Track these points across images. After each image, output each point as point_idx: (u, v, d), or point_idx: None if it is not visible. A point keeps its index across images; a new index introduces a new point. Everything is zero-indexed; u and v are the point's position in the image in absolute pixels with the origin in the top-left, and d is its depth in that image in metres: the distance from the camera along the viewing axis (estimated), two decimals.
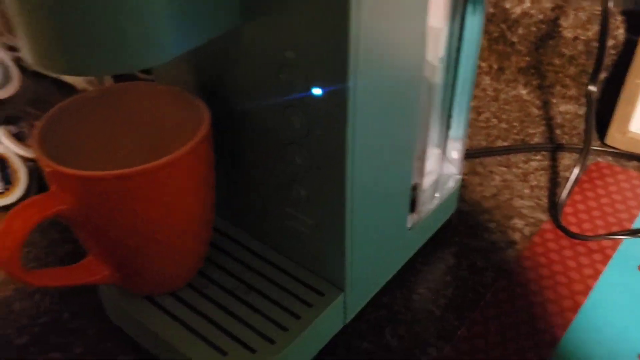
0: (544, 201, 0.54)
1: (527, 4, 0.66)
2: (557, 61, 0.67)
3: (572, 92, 0.67)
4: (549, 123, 0.64)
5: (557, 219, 0.52)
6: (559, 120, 0.65)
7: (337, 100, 0.32)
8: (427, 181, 0.45)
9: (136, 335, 0.41)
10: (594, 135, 0.62)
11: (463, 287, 0.46)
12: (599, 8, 0.63)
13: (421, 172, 0.43)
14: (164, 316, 0.39)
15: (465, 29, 0.41)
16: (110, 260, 0.37)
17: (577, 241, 0.50)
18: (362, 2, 0.29)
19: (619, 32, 0.62)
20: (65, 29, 0.27)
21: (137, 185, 0.33)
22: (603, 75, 0.64)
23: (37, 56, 0.29)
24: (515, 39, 0.69)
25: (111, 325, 0.43)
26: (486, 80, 0.71)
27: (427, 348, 0.41)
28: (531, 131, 0.63)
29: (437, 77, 0.41)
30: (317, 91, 0.32)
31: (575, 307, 0.44)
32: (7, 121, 0.50)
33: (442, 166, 0.47)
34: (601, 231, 0.51)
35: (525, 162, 0.59)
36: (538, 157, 0.60)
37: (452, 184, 0.49)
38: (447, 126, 0.46)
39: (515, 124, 0.64)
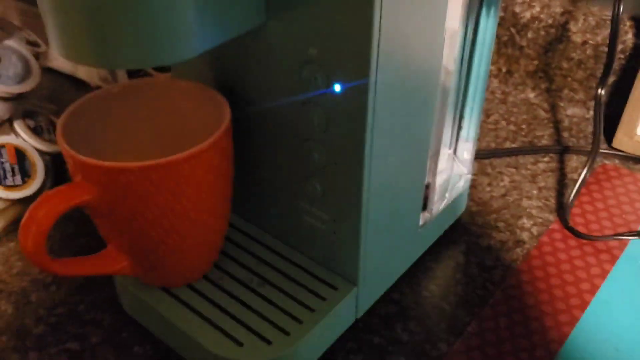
0: (552, 202, 0.55)
1: (537, 9, 0.67)
2: (565, 65, 0.68)
3: (580, 95, 0.68)
4: (556, 126, 0.65)
5: (564, 219, 0.52)
6: (566, 123, 0.66)
7: (357, 97, 0.33)
8: (438, 180, 0.46)
9: (152, 326, 0.42)
10: (602, 138, 0.63)
11: (472, 285, 0.47)
12: (608, 13, 0.64)
13: (433, 171, 0.44)
14: (181, 307, 0.40)
15: (479, 32, 0.42)
16: (130, 251, 0.38)
17: (584, 241, 0.51)
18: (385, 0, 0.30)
19: (627, 37, 0.62)
20: (97, 22, 0.28)
21: (160, 177, 0.34)
22: (611, 79, 0.65)
23: (67, 48, 0.30)
24: (524, 43, 0.70)
25: (126, 317, 0.44)
26: (495, 83, 0.72)
27: (438, 343, 0.42)
28: (539, 133, 0.64)
29: (451, 79, 0.41)
30: (337, 88, 0.33)
31: (583, 305, 0.45)
32: (25, 115, 0.51)
33: (453, 166, 0.48)
34: (608, 232, 0.52)
35: (534, 163, 0.60)
36: (546, 159, 0.60)
37: (462, 183, 0.50)
38: (459, 127, 0.46)
39: (523, 126, 0.65)
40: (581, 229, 0.52)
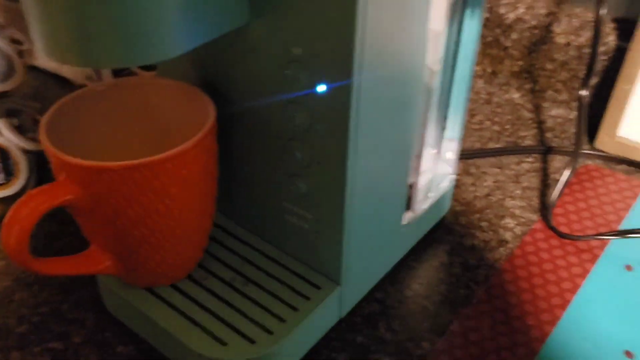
0: (535, 202, 0.55)
1: (521, 10, 0.68)
2: (549, 66, 0.68)
3: (564, 96, 0.69)
4: (540, 126, 0.66)
5: (547, 219, 0.53)
6: (550, 123, 0.66)
7: (340, 97, 0.33)
8: (422, 180, 0.46)
9: (135, 325, 0.42)
10: (584, 138, 0.64)
11: (456, 284, 0.47)
12: (591, 15, 0.65)
13: (417, 171, 0.45)
14: (164, 306, 0.40)
15: (463, 33, 0.42)
16: (113, 250, 0.38)
17: (566, 241, 0.51)
18: (369, 1, 0.30)
19: (609, 38, 0.63)
20: (80, 21, 0.28)
21: (144, 177, 0.34)
22: (594, 80, 0.65)
23: (51, 48, 0.30)
24: (508, 44, 0.70)
25: (110, 317, 0.44)
26: (480, 83, 0.73)
27: (421, 342, 0.43)
28: (523, 134, 0.64)
29: (435, 79, 0.42)
30: (321, 88, 0.33)
31: (564, 304, 0.45)
32: (8, 114, 0.51)
33: (437, 166, 0.49)
34: (590, 232, 0.52)
35: (517, 164, 0.60)
36: (529, 159, 0.61)
37: (446, 183, 0.50)
38: (443, 127, 0.47)
39: (507, 126, 0.66)
40: (563, 229, 0.52)
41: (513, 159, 0.61)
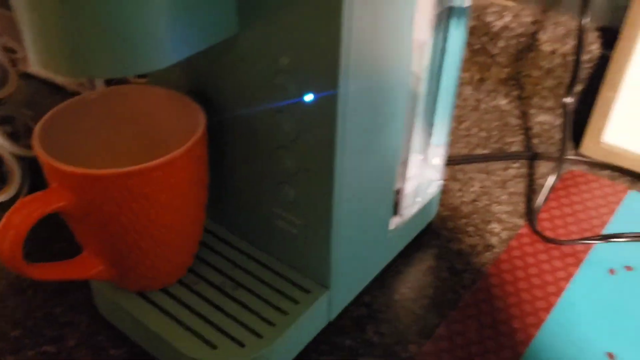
0: (521, 207, 0.56)
1: (508, 18, 0.69)
2: (535, 73, 0.69)
3: (550, 103, 0.70)
4: (527, 132, 0.67)
5: (533, 224, 0.54)
6: (536, 130, 0.67)
7: (327, 106, 0.34)
8: (409, 186, 0.47)
9: (127, 329, 0.43)
10: (570, 144, 0.65)
11: (443, 288, 0.48)
12: (576, 23, 0.66)
13: (404, 177, 0.45)
14: (156, 310, 0.41)
15: (448, 42, 0.43)
16: (106, 255, 0.39)
17: (551, 245, 0.52)
18: (353, 13, 0.31)
19: (594, 47, 0.64)
20: (72, 33, 0.29)
21: (135, 184, 0.34)
22: (579, 87, 0.66)
23: (43, 59, 0.30)
24: (496, 51, 0.71)
25: (102, 320, 0.44)
26: (468, 90, 0.74)
27: (408, 345, 0.43)
28: (509, 140, 0.66)
29: (421, 87, 0.43)
30: (308, 97, 0.34)
31: (549, 307, 0.46)
32: (2, 121, 0.52)
33: (424, 172, 0.50)
34: (574, 236, 0.53)
35: (504, 169, 0.61)
36: (516, 165, 0.62)
37: (433, 189, 0.51)
38: (430, 133, 0.48)
39: (494, 132, 0.67)
40: (549, 234, 0.53)
41: (500, 164, 0.62)
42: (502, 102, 0.72)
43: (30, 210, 0.34)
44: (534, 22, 0.68)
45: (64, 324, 0.44)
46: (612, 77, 0.60)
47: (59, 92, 0.68)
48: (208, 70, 0.39)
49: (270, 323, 0.40)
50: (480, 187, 0.59)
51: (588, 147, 0.63)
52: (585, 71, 0.65)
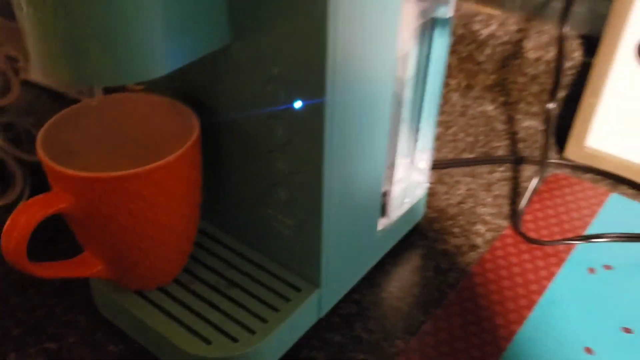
0: (506, 209, 0.58)
1: (494, 26, 0.71)
2: (521, 80, 0.72)
3: (535, 108, 0.72)
4: (512, 137, 0.69)
5: (517, 225, 0.56)
6: (521, 134, 0.69)
7: (316, 112, 0.35)
8: (396, 188, 0.49)
9: (125, 326, 0.45)
10: (554, 149, 0.67)
11: (429, 287, 0.50)
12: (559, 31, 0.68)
13: (391, 180, 0.47)
14: (153, 308, 0.42)
15: (432, 51, 0.45)
16: (105, 255, 0.41)
17: (534, 246, 0.54)
18: (338, 26, 0.33)
19: (576, 54, 0.66)
20: (74, 45, 0.31)
21: (133, 187, 0.36)
22: (563, 93, 0.68)
23: (46, 69, 0.32)
24: (482, 59, 0.73)
25: (101, 318, 0.46)
26: (455, 96, 0.76)
27: (395, 341, 0.45)
28: (495, 144, 0.68)
29: (406, 93, 0.45)
30: (298, 104, 0.36)
31: (530, 304, 0.48)
32: (4, 127, 0.53)
33: (410, 175, 0.51)
34: (557, 237, 0.55)
35: (490, 173, 0.63)
36: (501, 169, 0.64)
37: (420, 191, 0.53)
38: (416, 138, 0.50)
39: (480, 137, 0.69)
40: (532, 235, 0.55)
41: (485, 168, 0.64)
42: (489, 107, 0.74)
43: (34, 211, 0.36)
44: (519, 31, 0.70)
45: (64, 322, 0.46)
46: (593, 83, 0.62)
47: (58, 99, 0.70)
48: (203, 78, 0.41)
49: (262, 320, 0.42)
50: (466, 190, 0.61)
51: (571, 151, 0.65)
52: (568, 78, 0.67)
